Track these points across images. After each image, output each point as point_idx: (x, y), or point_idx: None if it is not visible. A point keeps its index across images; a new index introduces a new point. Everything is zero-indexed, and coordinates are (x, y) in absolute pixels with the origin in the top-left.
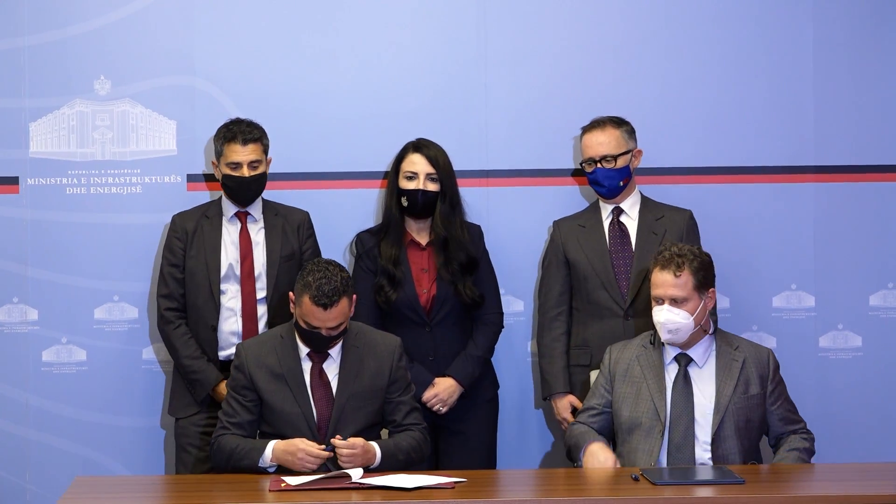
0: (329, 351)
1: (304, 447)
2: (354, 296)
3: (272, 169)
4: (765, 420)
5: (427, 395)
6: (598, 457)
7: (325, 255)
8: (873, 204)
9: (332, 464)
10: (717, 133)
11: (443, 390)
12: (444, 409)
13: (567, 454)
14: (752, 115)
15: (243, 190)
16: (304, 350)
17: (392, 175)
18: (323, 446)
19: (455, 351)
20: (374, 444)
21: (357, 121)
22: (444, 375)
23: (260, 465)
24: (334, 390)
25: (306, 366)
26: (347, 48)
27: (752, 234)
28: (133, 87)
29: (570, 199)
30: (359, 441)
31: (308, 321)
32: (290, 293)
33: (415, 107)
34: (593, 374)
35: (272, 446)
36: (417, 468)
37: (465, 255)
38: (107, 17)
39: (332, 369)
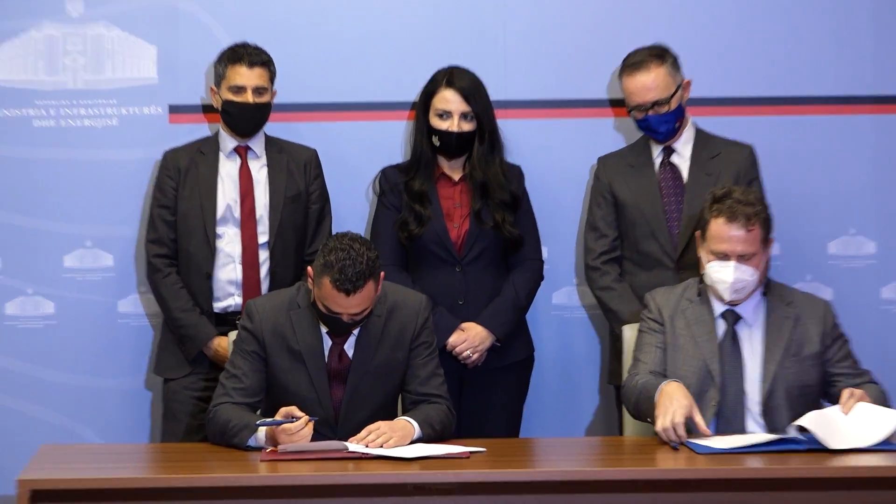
0: None
1: (284, 427)
2: (382, 273)
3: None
4: (823, 383)
5: (453, 339)
6: (675, 397)
7: (332, 194)
8: None
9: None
10: (763, 60)
11: (473, 335)
12: (473, 357)
13: (633, 412)
14: (804, 39)
15: (246, 117)
16: (324, 326)
17: (421, 109)
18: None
19: (489, 296)
20: (405, 417)
21: (365, 47)
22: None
23: (252, 444)
24: (350, 369)
25: (326, 344)
26: None
27: (804, 172)
28: (109, 7)
29: (597, 132)
30: (376, 426)
31: (328, 306)
32: (308, 268)
33: (427, 31)
34: (627, 331)
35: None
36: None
37: (507, 194)
38: None
39: (350, 346)
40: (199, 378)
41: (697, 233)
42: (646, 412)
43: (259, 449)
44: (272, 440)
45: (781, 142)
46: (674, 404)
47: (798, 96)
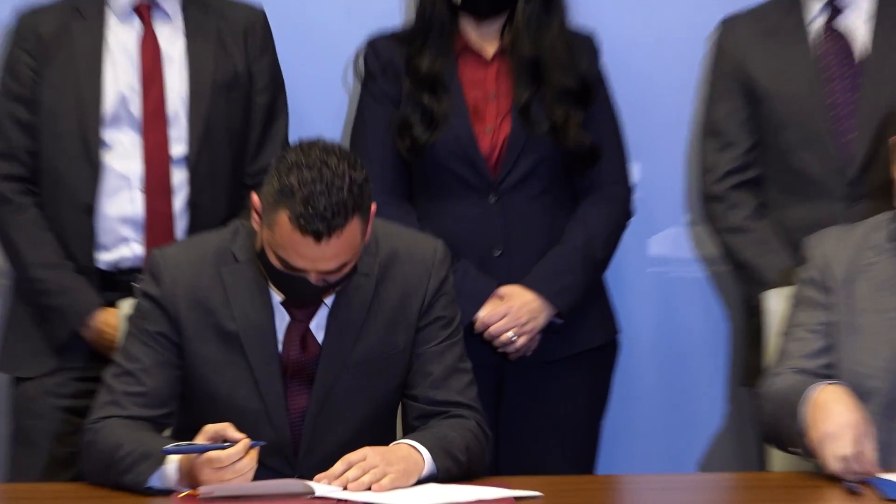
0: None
1: (209, 457)
2: (373, 206)
3: None
4: None
5: (487, 312)
6: (834, 411)
7: (289, 79)
8: None
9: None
10: None
11: (518, 306)
12: (519, 341)
13: (770, 435)
14: None
15: None
16: (278, 293)
17: None
18: (243, 438)
19: (544, 244)
20: (407, 441)
21: None
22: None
23: (156, 483)
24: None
25: (281, 323)
26: None
27: None
28: None
29: None
30: (359, 455)
31: (286, 258)
32: (254, 196)
33: None
34: (772, 300)
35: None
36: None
37: (572, 77)
38: None
39: (319, 325)
40: (72, 377)
41: (894, 139)
42: (788, 437)
43: (169, 493)
44: (189, 478)
45: None
46: (832, 424)
47: None
